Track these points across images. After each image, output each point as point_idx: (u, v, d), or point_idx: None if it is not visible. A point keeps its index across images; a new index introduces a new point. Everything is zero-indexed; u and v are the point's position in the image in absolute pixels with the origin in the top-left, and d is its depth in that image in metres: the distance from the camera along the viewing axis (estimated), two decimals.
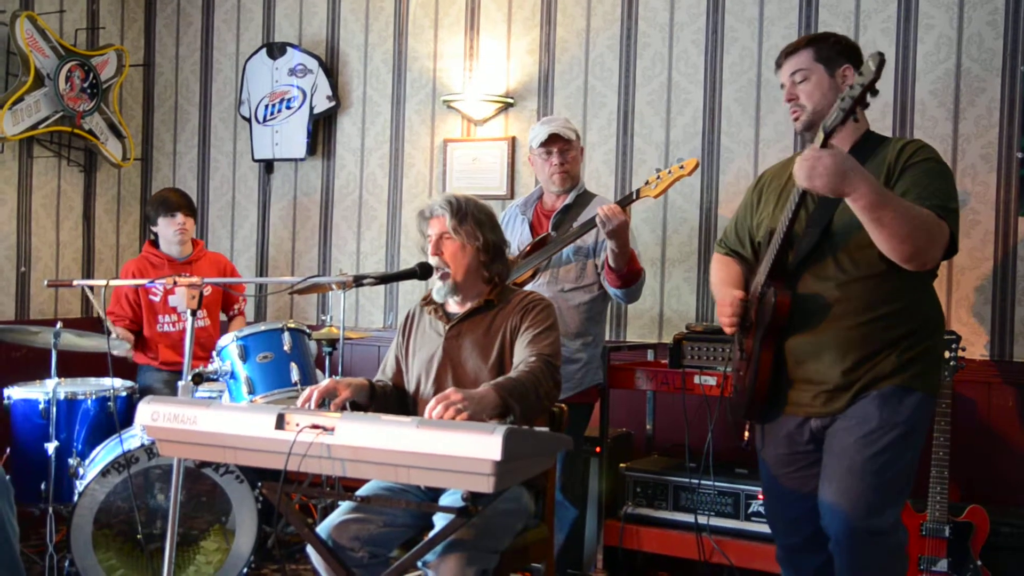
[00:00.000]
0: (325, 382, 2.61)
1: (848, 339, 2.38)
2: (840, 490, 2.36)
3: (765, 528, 3.45)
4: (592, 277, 3.51)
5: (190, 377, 2.94)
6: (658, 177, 3.38)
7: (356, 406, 2.66)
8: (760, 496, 3.48)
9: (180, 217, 4.28)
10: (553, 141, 3.53)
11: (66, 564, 3.38)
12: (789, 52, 2.51)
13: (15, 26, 4.59)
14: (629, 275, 3.39)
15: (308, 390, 2.57)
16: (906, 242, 2.24)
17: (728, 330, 2.55)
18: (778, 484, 2.57)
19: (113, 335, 4.10)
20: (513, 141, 4.59)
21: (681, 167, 3.35)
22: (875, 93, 2.15)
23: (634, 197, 3.40)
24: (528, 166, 4.53)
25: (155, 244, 4.39)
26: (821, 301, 2.40)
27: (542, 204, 3.70)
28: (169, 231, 4.31)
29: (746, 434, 2.68)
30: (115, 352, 4.05)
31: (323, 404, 2.55)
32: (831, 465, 2.40)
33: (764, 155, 4.06)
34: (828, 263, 2.40)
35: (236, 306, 4.53)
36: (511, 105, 4.59)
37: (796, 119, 2.50)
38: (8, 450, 3.68)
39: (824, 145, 2.21)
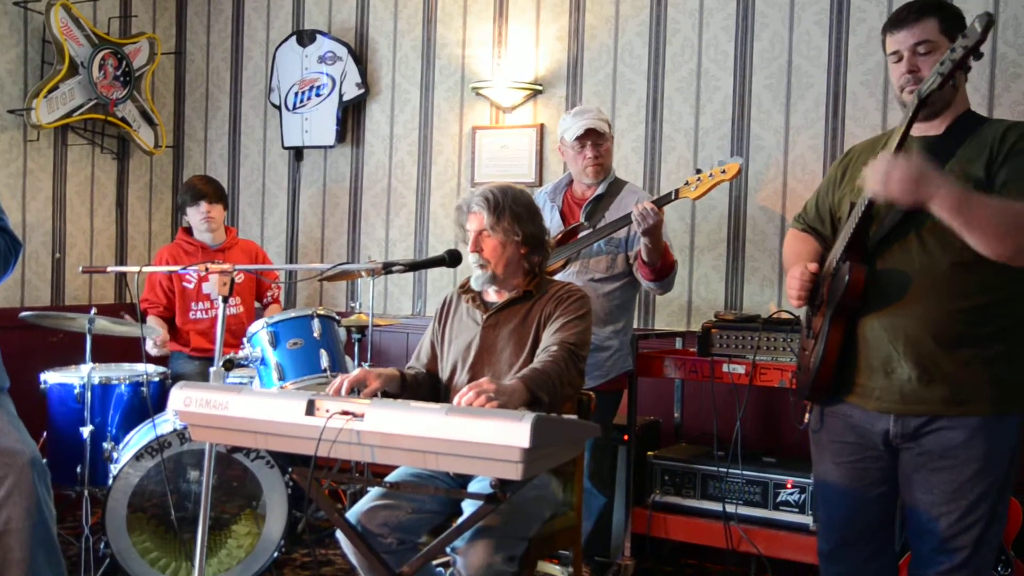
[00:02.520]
0: (355, 371, 2.62)
1: (926, 329, 2.22)
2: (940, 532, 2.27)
3: (794, 517, 3.44)
4: (622, 268, 3.51)
5: (221, 363, 2.98)
6: (698, 179, 3.36)
7: (386, 396, 2.67)
8: (788, 484, 3.47)
9: (205, 206, 4.32)
10: (589, 135, 3.52)
11: (101, 546, 3.43)
12: (911, 18, 2.29)
13: (50, 15, 4.64)
14: (663, 268, 3.39)
15: (338, 379, 2.58)
16: (1003, 241, 2.08)
17: (795, 303, 2.43)
18: (834, 472, 2.45)
19: (152, 328, 4.15)
20: (542, 128, 4.58)
21: (723, 171, 3.32)
22: (979, 56, 2.04)
23: (673, 197, 3.38)
24: (556, 154, 4.52)
25: (188, 231, 4.44)
26: (900, 282, 2.24)
27: (572, 192, 3.70)
28: (196, 219, 4.35)
29: (807, 417, 2.56)
30: (149, 349, 4.10)
31: (353, 393, 2.57)
32: (927, 500, 2.29)
33: (794, 142, 4.03)
34: (911, 242, 2.24)
35: (270, 293, 4.57)
36: (540, 92, 4.58)
37: (912, 93, 2.25)
38: (45, 434, 3.74)
39: (913, 117, 2.10)
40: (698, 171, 3.39)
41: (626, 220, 3.35)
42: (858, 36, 3.89)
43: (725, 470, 3.55)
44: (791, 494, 3.47)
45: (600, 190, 3.58)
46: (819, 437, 2.50)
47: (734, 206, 4.15)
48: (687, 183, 3.37)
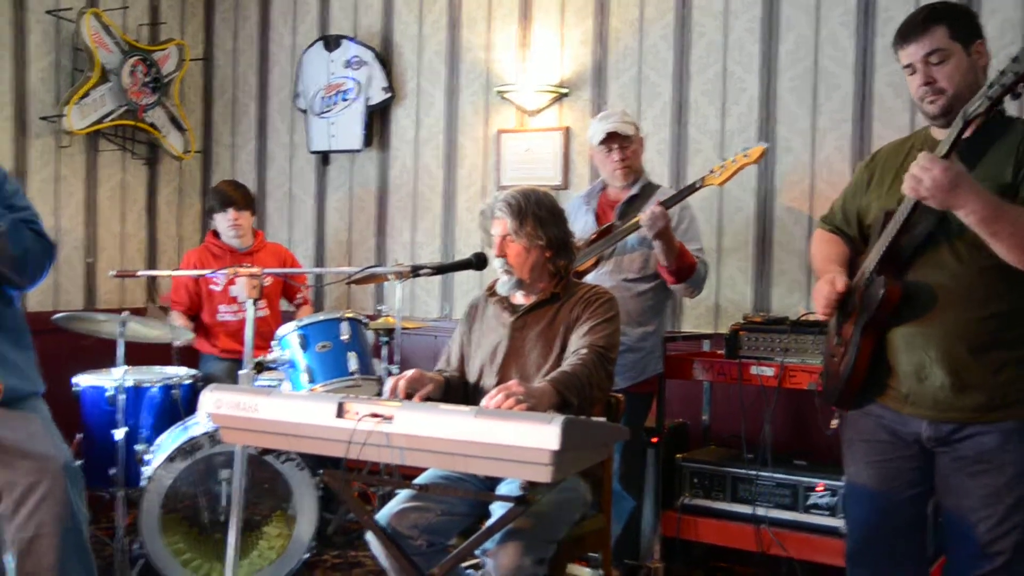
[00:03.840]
0: (409, 372, 2.64)
1: (958, 337, 2.22)
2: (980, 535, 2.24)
3: (825, 520, 3.42)
4: (655, 267, 3.50)
5: (251, 366, 3.00)
6: (723, 166, 3.36)
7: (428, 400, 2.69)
8: (819, 487, 3.45)
9: (232, 213, 4.36)
10: (612, 139, 3.54)
11: (135, 547, 3.47)
12: (917, 30, 2.27)
13: (81, 23, 4.71)
14: (681, 270, 3.38)
15: (394, 380, 2.60)
16: None
17: (823, 318, 2.43)
18: (865, 473, 2.43)
19: (180, 327, 4.20)
20: (567, 131, 4.58)
21: (746, 155, 3.32)
22: None
23: (697, 186, 3.38)
24: (582, 156, 4.53)
25: (217, 235, 4.48)
26: (932, 291, 2.24)
27: (606, 195, 3.71)
28: (224, 225, 4.40)
29: (834, 422, 2.56)
30: (176, 342, 4.15)
31: (408, 394, 2.59)
32: (963, 507, 2.27)
33: (821, 144, 4.01)
34: (943, 250, 2.25)
35: (300, 295, 4.61)
36: (565, 95, 4.59)
37: (932, 103, 2.27)
38: (79, 436, 3.78)
39: (958, 137, 2.11)
40: (723, 159, 3.40)
41: (635, 226, 3.36)
42: (885, 37, 3.86)
43: (755, 473, 3.53)
44: (822, 497, 3.45)
45: (633, 191, 3.59)
46: (850, 438, 2.48)
47: (761, 208, 4.13)
48: (712, 171, 3.38)
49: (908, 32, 2.31)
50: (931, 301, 2.25)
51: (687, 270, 3.40)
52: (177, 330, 4.10)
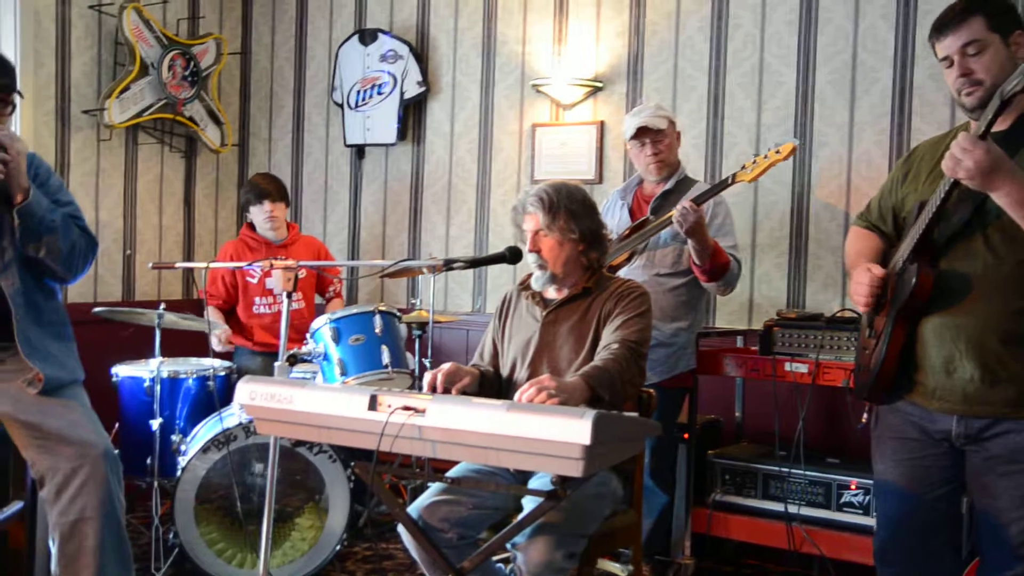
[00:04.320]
0: (446, 365, 2.65)
1: (990, 329, 2.19)
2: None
3: (857, 519, 3.40)
4: (688, 263, 3.48)
5: (285, 358, 3.03)
6: (754, 162, 3.34)
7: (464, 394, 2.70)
8: (852, 486, 3.42)
9: (268, 205, 4.39)
10: (643, 133, 3.53)
11: (171, 536, 3.51)
12: (954, 21, 2.25)
13: (122, 18, 4.77)
14: (714, 269, 3.36)
15: (431, 374, 2.62)
16: None
17: (863, 309, 2.41)
18: (893, 471, 2.40)
19: (216, 323, 4.25)
20: (602, 125, 4.57)
21: (777, 151, 3.30)
22: None
23: (729, 182, 3.36)
24: (616, 151, 4.52)
25: (253, 227, 4.52)
26: (964, 281, 2.20)
27: (642, 190, 3.70)
28: (260, 218, 4.43)
29: (864, 417, 2.53)
30: (213, 345, 4.19)
31: (446, 387, 2.60)
32: (997, 507, 2.24)
33: (859, 139, 3.96)
34: (977, 241, 2.22)
35: (332, 288, 4.64)
36: (600, 89, 4.57)
37: (970, 95, 2.24)
38: (117, 425, 3.84)
39: (994, 118, 2.09)
40: (754, 155, 3.38)
41: (668, 222, 3.34)
42: (925, 29, 3.78)
43: (787, 470, 3.51)
44: (855, 495, 3.42)
45: (668, 186, 3.57)
46: (879, 435, 2.46)
47: (796, 204, 4.10)
48: (743, 167, 3.36)
49: (945, 24, 2.28)
50: (964, 290, 2.21)
51: (720, 269, 3.38)
52: (214, 324, 4.15)
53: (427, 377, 2.62)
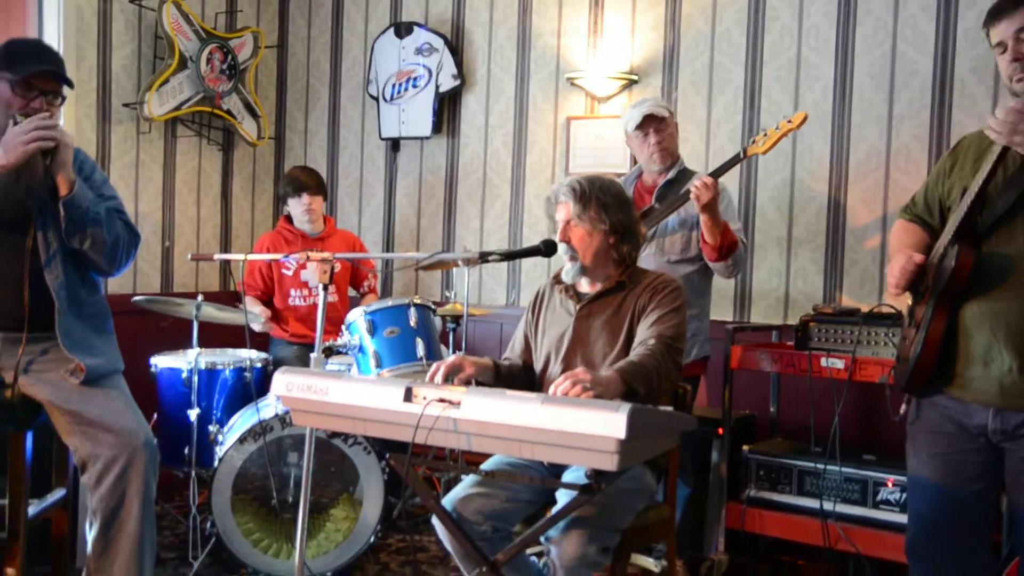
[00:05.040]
0: (451, 358, 2.67)
1: None
2: None
3: (894, 516, 3.36)
4: (697, 251, 3.51)
5: (321, 350, 3.05)
6: (765, 134, 3.38)
7: (480, 385, 2.71)
8: (889, 483, 3.39)
9: (306, 198, 4.44)
10: (648, 122, 3.57)
11: (208, 525, 3.56)
12: (1010, 6, 2.25)
13: (162, 12, 4.82)
14: (723, 247, 3.38)
15: (436, 365, 2.63)
16: None
17: (894, 291, 2.39)
18: (928, 465, 2.38)
19: (254, 312, 4.29)
20: None
21: (789, 121, 3.36)
22: None
23: (741, 156, 3.40)
24: None
25: (289, 220, 4.56)
26: (1004, 266, 2.19)
27: (642, 182, 3.74)
28: (298, 211, 4.48)
29: (902, 408, 2.50)
30: (254, 326, 4.24)
31: (447, 379, 2.61)
32: None
33: (897, 132, 3.92)
34: (1019, 225, 2.20)
35: (366, 283, 4.67)
36: (635, 82, 4.55)
37: (1021, 80, 2.23)
38: (155, 415, 3.90)
39: None
40: (764, 130, 3.42)
41: (685, 197, 3.37)
42: (967, 20, 3.75)
43: (823, 466, 3.48)
44: (891, 493, 3.38)
45: (670, 175, 3.61)
46: (915, 428, 2.44)
47: (833, 197, 4.06)
48: (754, 141, 3.40)
49: (1000, 9, 2.27)
50: (1003, 275, 2.19)
51: (730, 247, 3.40)
52: (252, 316, 4.19)
53: (431, 370, 2.63)
